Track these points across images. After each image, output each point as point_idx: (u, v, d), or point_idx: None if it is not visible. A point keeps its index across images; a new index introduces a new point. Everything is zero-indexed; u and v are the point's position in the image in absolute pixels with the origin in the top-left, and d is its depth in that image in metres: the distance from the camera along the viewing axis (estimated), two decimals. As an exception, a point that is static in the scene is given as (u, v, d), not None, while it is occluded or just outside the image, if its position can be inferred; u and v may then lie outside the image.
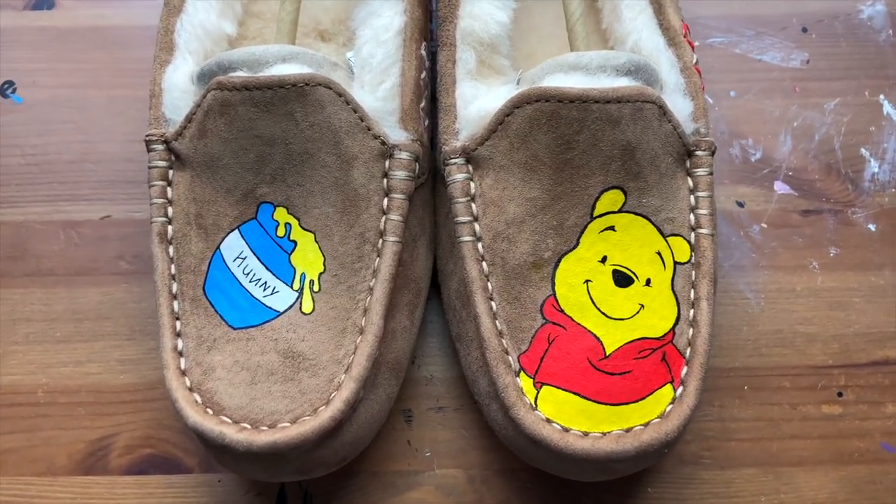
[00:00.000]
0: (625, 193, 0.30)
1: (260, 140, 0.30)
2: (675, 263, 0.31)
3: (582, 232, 0.30)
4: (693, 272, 0.31)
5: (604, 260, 0.30)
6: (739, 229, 0.38)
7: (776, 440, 0.35)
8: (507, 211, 0.30)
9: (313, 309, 0.30)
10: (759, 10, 0.42)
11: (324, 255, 0.30)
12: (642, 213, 0.31)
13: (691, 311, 0.30)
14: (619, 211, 0.30)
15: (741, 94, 0.41)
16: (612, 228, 0.30)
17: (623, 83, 0.30)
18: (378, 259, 0.30)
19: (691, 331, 0.30)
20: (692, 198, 0.32)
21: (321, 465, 0.30)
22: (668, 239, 0.31)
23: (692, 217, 0.31)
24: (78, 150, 0.41)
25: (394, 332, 0.31)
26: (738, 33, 0.42)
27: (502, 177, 0.31)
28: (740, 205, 0.39)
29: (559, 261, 0.30)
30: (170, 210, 0.32)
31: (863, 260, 0.38)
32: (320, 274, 0.30)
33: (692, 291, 0.31)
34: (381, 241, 0.31)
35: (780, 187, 0.39)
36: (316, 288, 0.30)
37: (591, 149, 0.29)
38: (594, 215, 0.30)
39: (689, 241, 0.31)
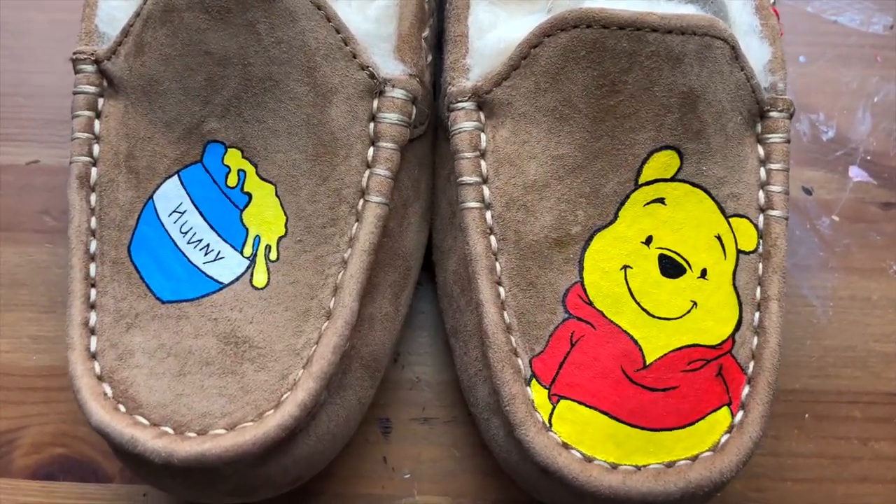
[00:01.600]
0: (681, 156, 0.24)
1: (210, 59, 0.23)
2: (739, 252, 0.24)
3: (622, 203, 0.24)
4: (761, 265, 0.24)
5: (649, 241, 0.24)
6: (806, 221, 0.32)
7: (841, 482, 0.29)
8: (526, 171, 0.24)
9: (268, 283, 0.23)
10: (837, -38, 0.36)
11: (286, 215, 0.24)
12: (701, 185, 0.24)
13: (756, 315, 0.24)
14: (672, 179, 0.24)
15: (812, 59, 0.34)
16: (661, 201, 0.24)
17: (689, 11, 0.23)
18: (356, 224, 0.24)
19: (756, 339, 0.24)
20: (762, 171, 0.25)
21: (267, 486, 0.23)
22: (730, 220, 0.24)
23: (762, 195, 0.25)
24: (8, 81, 0.34)
25: (371, 320, 0.25)
26: (810, -12, 0.36)
27: (523, 127, 0.24)
28: (807, 192, 0.32)
29: (591, 238, 0.24)
30: (95, 148, 0.25)
31: (954, 267, 0.31)
32: (280, 238, 0.24)
33: (759, 289, 0.24)
34: (361, 201, 0.24)
35: (855, 173, 0.33)
36: (273, 256, 0.24)
37: (642, 94, 0.23)
38: (640, 182, 0.24)
39: (756, 225, 0.25)
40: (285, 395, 0.22)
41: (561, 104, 0.23)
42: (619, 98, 0.23)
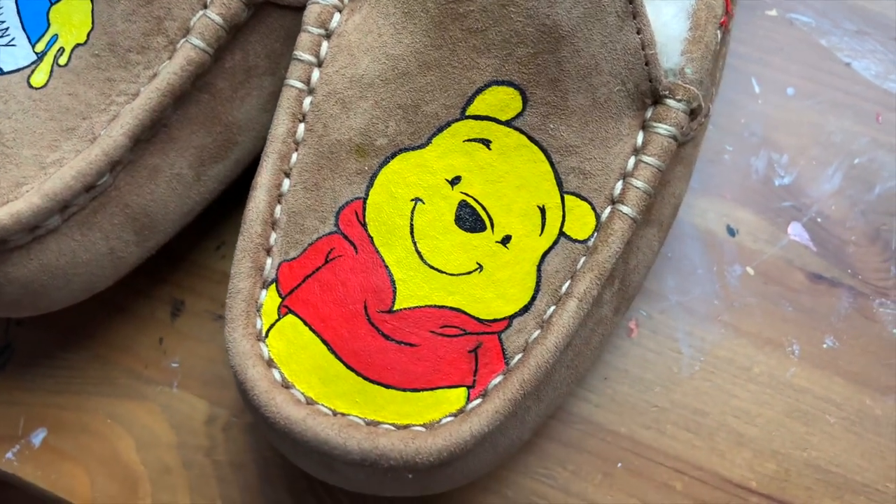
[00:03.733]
0: (524, 100, 0.21)
1: None
2: (562, 235, 0.21)
3: (440, 130, 0.21)
4: (582, 258, 0.21)
5: (455, 181, 0.21)
6: (714, 263, 0.28)
7: (629, 553, 0.26)
8: (358, 64, 0.22)
9: (45, 85, 0.22)
10: (874, 3, 0.32)
11: (93, 24, 0.22)
12: (541, 144, 0.21)
13: (550, 309, 0.21)
14: (508, 123, 0.21)
15: (802, 96, 0.31)
16: (485, 143, 0.21)
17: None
18: (168, 62, 0.22)
19: (536, 333, 0.21)
20: (632, 160, 0.22)
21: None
22: (566, 196, 0.21)
23: (619, 185, 0.22)
24: None
25: (155, 172, 0.23)
26: (832, 21, 0.32)
27: (373, 17, 0.22)
28: (731, 232, 0.29)
29: (393, 156, 0.21)
30: None
31: (866, 371, 0.27)
32: (78, 45, 0.22)
33: (568, 283, 0.21)
34: (183, 40, 0.22)
35: (795, 231, 0.29)
36: (63, 60, 0.22)
37: (496, 9, 0.20)
38: (467, 113, 0.21)
39: (596, 213, 0.22)
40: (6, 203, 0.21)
41: (412, -1, 0.21)
42: (470, 7, 0.20)
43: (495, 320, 0.21)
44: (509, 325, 0.21)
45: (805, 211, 0.29)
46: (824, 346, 0.27)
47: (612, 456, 0.26)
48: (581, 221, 0.21)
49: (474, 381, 0.20)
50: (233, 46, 0.24)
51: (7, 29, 0.22)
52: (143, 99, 0.22)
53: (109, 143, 0.21)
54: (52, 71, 0.22)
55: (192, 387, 0.27)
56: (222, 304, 0.28)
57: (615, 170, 0.22)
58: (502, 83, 0.21)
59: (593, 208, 0.22)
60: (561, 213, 0.21)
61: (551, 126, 0.21)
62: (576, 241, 0.21)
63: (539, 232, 0.21)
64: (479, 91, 0.21)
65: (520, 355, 0.20)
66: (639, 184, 0.22)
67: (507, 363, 0.20)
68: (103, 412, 0.27)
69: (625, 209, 0.21)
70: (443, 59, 0.21)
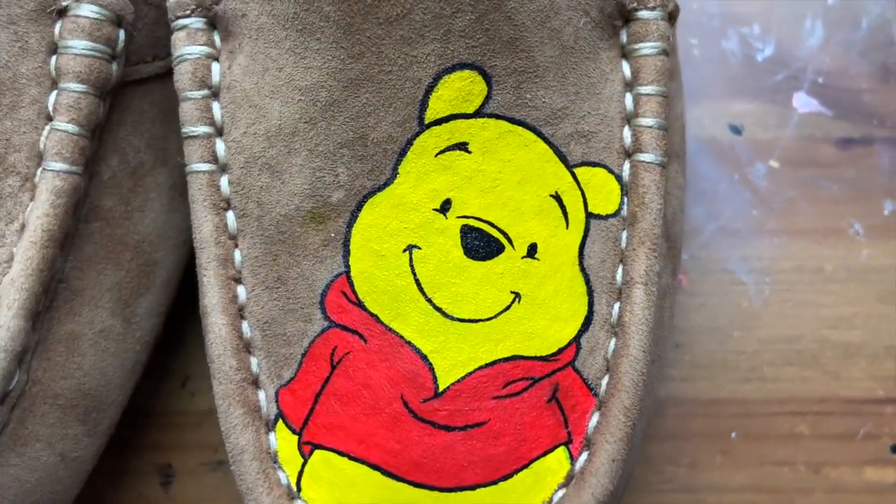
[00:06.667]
0: (487, 79, 0.17)
1: None
2: (589, 216, 0.18)
3: (403, 153, 0.17)
4: (624, 233, 0.18)
5: (445, 207, 0.17)
6: (734, 170, 0.25)
7: (785, 526, 0.22)
8: (269, 114, 0.17)
9: None
10: None
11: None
12: (525, 121, 0.17)
13: (615, 307, 0.17)
14: (478, 114, 0.17)
15: (744, -46, 0.27)
16: (462, 148, 0.17)
17: None
18: (33, 205, 0.18)
19: (612, 342, 0.17)
20: (628, 97, 0.18)
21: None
22: (576, 170, 0.18)
23: (627, 133, 0.18)
24: None
25: (73, 341, 0.19)
26: None
27: (262, 51, 0.18)
28: (736, 131, 0.26)
29: (359, 207, 0.17)
30: None
31: (939, 221, 0.24)
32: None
33: (620, 269, 0.18)
34: (39, 170, 0.18)
35: (802, 102, 0.26)
36: None
37: (413, -14, 0.16)
38: (427, 121, 0.17)
39: (618, 176, 0.18)
40: None
41: (302, 9, 0.17)
42: (382, -6, 0.16)
43: (560, 350, 0.17)
44: (579, 349, 0.17)
45: (802, 77, 0.26)
46: (886, 212, 0.25)
47: (721, 428, 0.23)
48: (603, 192, 0.18)
49: (569, 433, 0.16)
50: (104, 153, 0.19)
51: None
52: (21, 263, 0.17)
53: (3, 335, 0.17)
54: None
55: (221, 559, 0.23)
56: (215, 449, 0.23)
57: (614, 116, 0.18)
58: (454, 68, 0.17)
59: (610, 171, 0.18)
60: (579, 192, 0.18)
61: (528, 96, 0.17)
62: (607, 217, 0.18)
63: (565, 224, 0.17)
64: (430, 89, 0.17)
65: (606, 378, 0.17)
66: (649, 121, 0.18)
67: (594, 394, 0.17)
68: None
69: (646, 157, 0.18)
70: (370, 69, 0.17)
